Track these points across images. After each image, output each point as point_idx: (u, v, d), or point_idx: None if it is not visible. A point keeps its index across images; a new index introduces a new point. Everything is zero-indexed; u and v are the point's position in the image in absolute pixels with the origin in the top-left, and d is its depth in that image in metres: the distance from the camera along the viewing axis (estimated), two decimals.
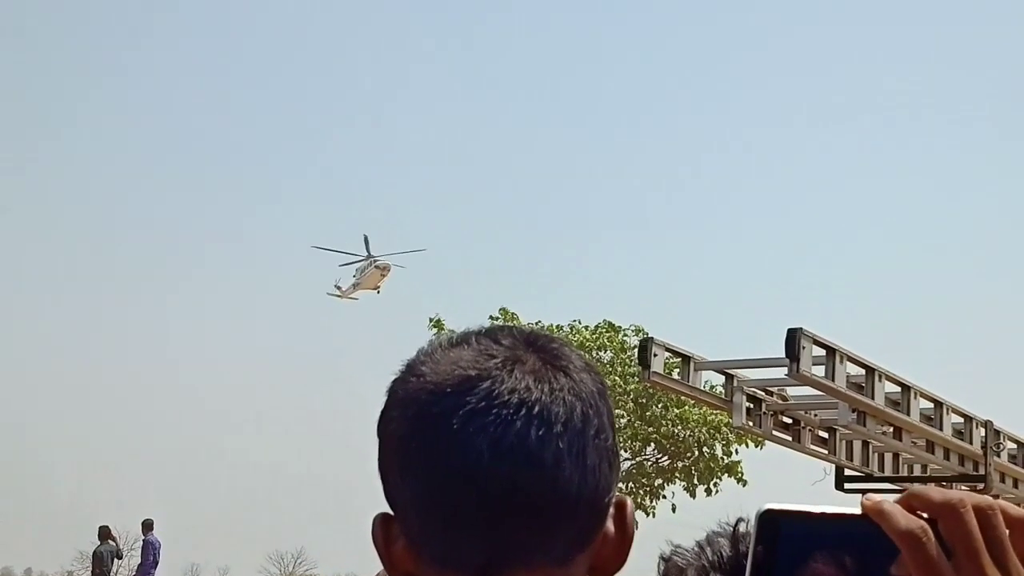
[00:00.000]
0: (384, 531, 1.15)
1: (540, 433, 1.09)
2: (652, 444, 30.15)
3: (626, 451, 29.28)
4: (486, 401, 1.09)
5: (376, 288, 48.42)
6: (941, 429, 10.56)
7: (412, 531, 1.13)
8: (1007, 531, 0.77)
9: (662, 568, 1.64)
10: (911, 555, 0.75)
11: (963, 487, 10.16)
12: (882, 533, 0.76)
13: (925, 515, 0.76)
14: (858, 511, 0.77)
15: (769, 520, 0.78)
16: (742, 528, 1.51)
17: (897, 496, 0.77)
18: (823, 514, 0.78)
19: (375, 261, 47.92)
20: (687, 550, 1.59)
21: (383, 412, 1.16)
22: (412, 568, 1.14)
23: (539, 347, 1.16)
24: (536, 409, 1.10)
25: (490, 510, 1.09)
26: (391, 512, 1.15)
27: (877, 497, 0.77)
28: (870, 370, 9.89)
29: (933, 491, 0.76)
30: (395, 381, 1.16)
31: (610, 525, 1.15)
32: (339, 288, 49.47)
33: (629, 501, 1.19)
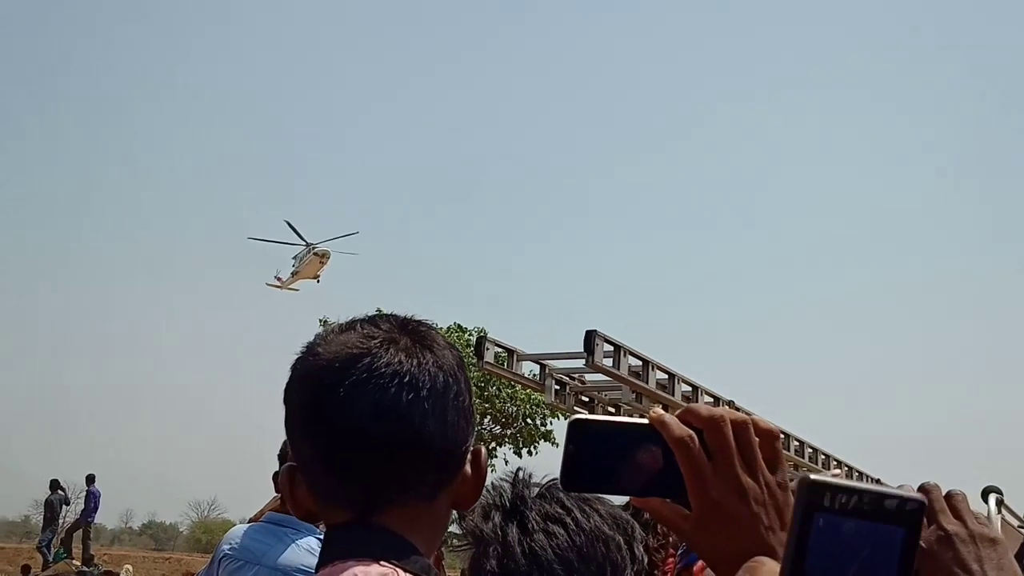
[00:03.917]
0: (289, 479, 1.15)
1: (409, 397, 1.08)
2: (488, 417, 30.19)
3: None
4: (367, 373, 1.08)
5: (316, 276, 37.43)
6: None
7: (311, 479, 1.12)
8: (757, 440, 0.77)
9: None
10: (681, 457, 0.75)
11: None
12: (662, 437, 0.76)
13: (695, 426, 0.77)
14: (646, 421, 0.78)
15: (578, 427, 0.78)
16: (520, 475, 1.46)
17: (678, 411, 0.79)
18: (619, 422, 0.78)
19: (313, 248, 36.91)
20: None
21: (288, 385, 1.14)
22: (311, 507, 1.14)
23: (410, 330, 1.15)
24: (407, 379, 1.09)
25: (371, 460, 1.08)
26: (295, 464, 1.14)
27: (660, 411, 0.78)
28: (646, 362, 10.05)
29: (702, 408, 0.77)
30: (297, 360, 1.14)
31: (468, 468, 1.15)
32: (279, 279, 38.77)
33: (483, 449, 1.18)
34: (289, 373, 1.14)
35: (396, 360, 1.10)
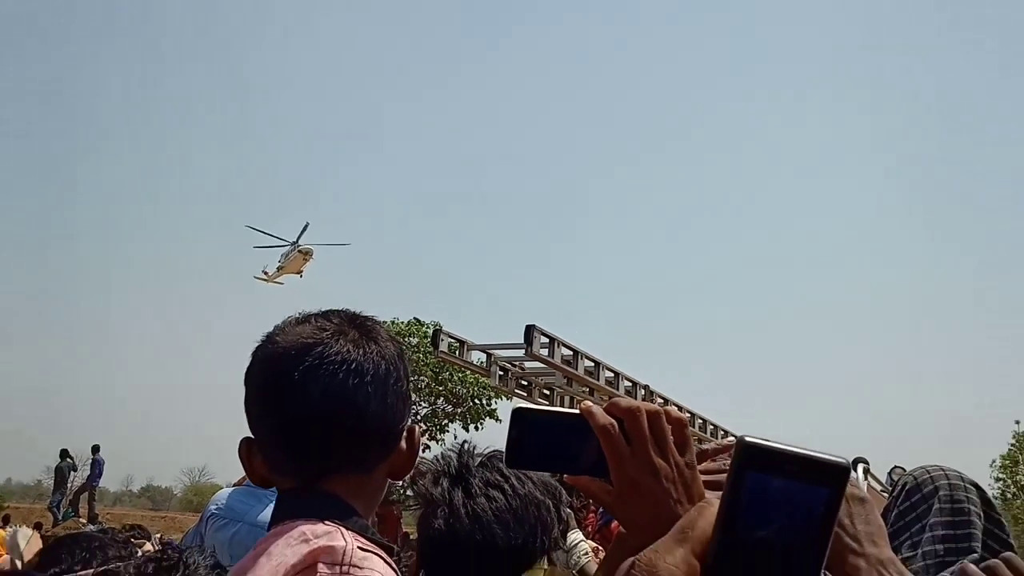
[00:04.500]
0: (247, 450, 1.13)
1: (355, 383, 1.08)
2: (441, 398, 30.07)
3: (424, 402, 29.10)
4: (319, 360, 1.08)
5: (299, 272, 35.61)
6: (618, 389, 11.00)
7: (266, 451, 1.12)
8: (668, 427, 0.79)
9: None
10: (604, 442, 0.77)
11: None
12: (590, 425, 0.78)
13: (617, 415, 0.78)
14: (578, 411, 0.79)
15: (520, 415, 0.78)
16: (466, 447, 1.44)
17: (605, 404, 0.80)
18: (556, 412, 0.79)
19: (299, 246, 35.14)
20: (427, 460, 1.49)
21: (249, 368, 1.13)
22: (266, 475, 1.13)
23: (358, 324, 1.15)
24: (353, 366, 1.08)
25: (319, 437, 1.08)
26: (252, 437, 1.13)
27: (589, 403, 0.79)
28: (576, 352, 10.16)
29: (623, 400, 0.78)
30: (258, 347, 1.13)
31: (403, 444, 1.15)
32: (266, 273, 36.81)
33: (417, 428, 1.18)
34: (250, 358, 1.13)
35: (344, 350, 1.09)
